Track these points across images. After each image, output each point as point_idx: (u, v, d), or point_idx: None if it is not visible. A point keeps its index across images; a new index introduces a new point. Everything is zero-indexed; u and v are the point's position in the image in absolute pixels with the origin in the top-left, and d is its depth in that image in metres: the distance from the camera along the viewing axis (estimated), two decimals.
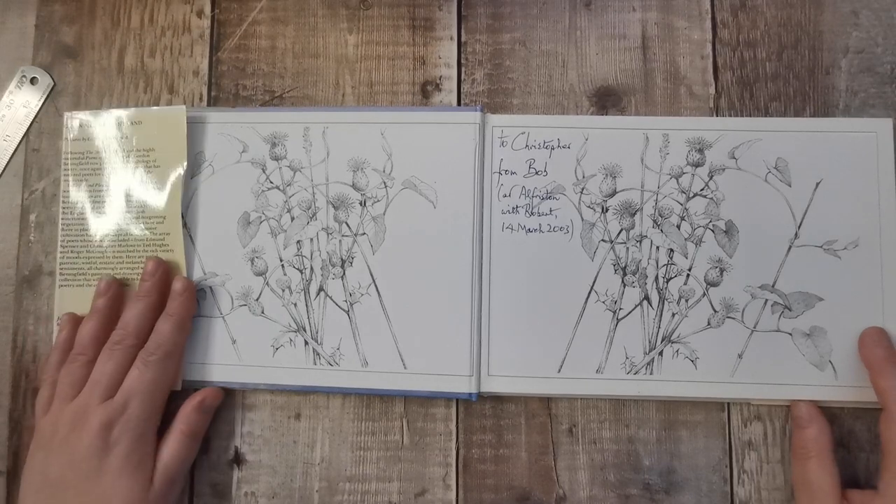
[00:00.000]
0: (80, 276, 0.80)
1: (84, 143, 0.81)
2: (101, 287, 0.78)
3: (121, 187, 0.80)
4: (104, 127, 0.81)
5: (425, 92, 0.83)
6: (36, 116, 0.84)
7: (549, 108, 0.81)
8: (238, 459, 0.78)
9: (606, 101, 0.81)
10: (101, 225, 0.80)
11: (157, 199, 0.80)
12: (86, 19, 0.86)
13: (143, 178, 0.80)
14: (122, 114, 0.81)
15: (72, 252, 0.80)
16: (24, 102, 0.84)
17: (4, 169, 0.83)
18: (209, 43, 0.85)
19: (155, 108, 0.82)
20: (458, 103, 0.82)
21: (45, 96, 0.84)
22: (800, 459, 0.72)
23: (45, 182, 0.83)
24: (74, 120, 0.82)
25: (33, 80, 0.84)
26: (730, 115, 0.80)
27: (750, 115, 0.80)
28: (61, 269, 0.80)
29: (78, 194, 0.81)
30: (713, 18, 0.82)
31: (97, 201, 0.81)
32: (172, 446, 0.74)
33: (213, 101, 0.84)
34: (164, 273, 0.78)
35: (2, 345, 0.82)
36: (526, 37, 0.83)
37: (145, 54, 0.85)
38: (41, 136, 0.84)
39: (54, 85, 0.85)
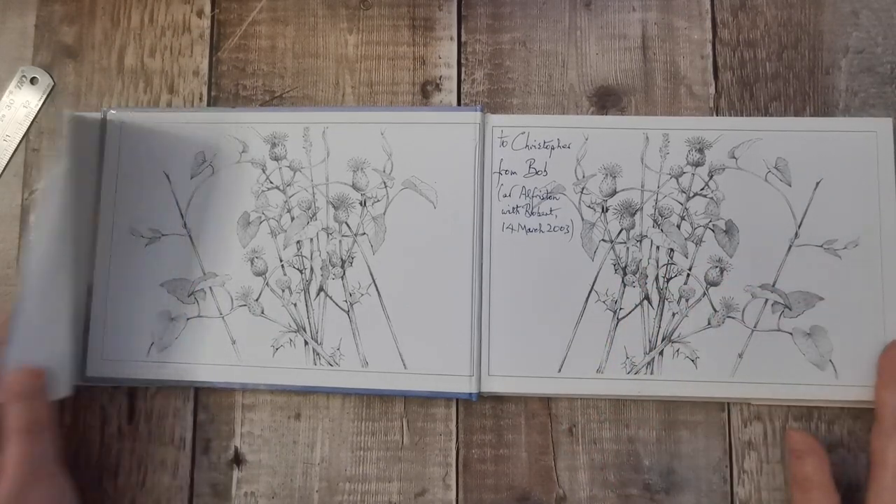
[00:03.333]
0: None
1: None
2: None
3: None
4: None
5: (425, 92, 0.83)
6: (36, 116, 0.84)
7: (549, 108, 0.81)
8: (238, 459, 0.78)
9: (606, 101, 0.81)
10: None
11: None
12: (86, 19, 0.86)
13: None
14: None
15: None
16: (24, 102, 0.84)
17: (4, 169, 0.83)
18: (209, 43, 0.85)
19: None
20: (458, 103, 0.82)
21: (45, 96, 0.84)
22: (802, 490, 0.71)
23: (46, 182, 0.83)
24: None
25: (33, 80, 0.84)
26: (730, 115, 0.80)
27: (750, 115, 0.80)
28: None
29: None
30: (713, 18, 0.82)
31: None
32: (11, 453, 0.68)
33: (213, 101, 0.84)
34: None
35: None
36: (526, 37, 0.83)
37: (145, 54, 0.85)
38: (41, 136, 0.84)
39: (54, 85, 0.85)
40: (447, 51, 0.83)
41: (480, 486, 0.77)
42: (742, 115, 0.80)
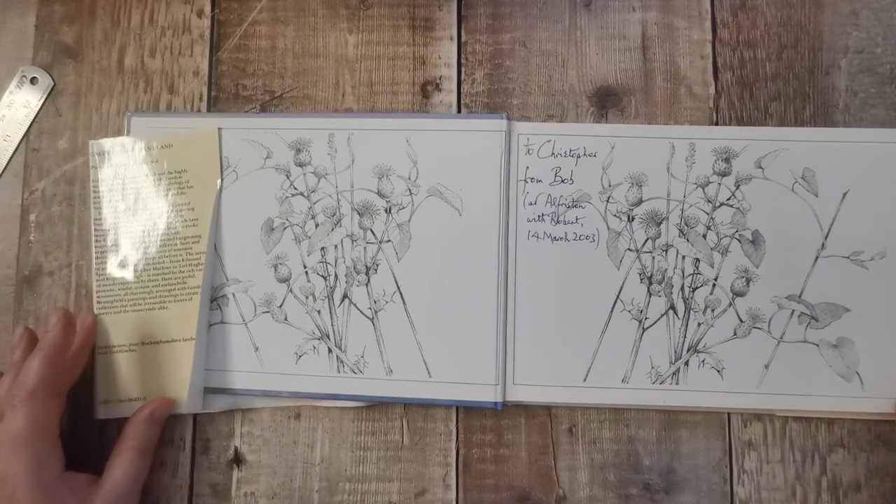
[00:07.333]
0: (118, 302, 0.79)
1: (111, 170, 0.82)
2: (15, 339, 0.76)
3: (153, 210, 0.81)
4: (131, 153, 0.82)
5: (425, 92, 0.83)
6: (36, 116, 0.83)
7: (549, 108, 0.81)
8: (238, 459, 0.78)
9: (606, 101, 0.81)
10: (136, 249, 0.80)
11: (192, 219, 0.80)
12: (86, 19, 0.85)
13: (177, 200, 0.80)
14: (152, 140, 0.82)
15: (107, 280, 0.80)
16: (24, 102, 0.83)
17: (4, 169, 0.83)
18: (209, 43, 0.84)
19: (187, 132, 0.82)
20: (458, 103, 0.82)
21: (45, 96, 0.84)
22: None
23: (45, 182, 0.82)
24: (100, 147, 0.82)
25: (33, 80, 0.84)
26: (729, 115, 0.80)
27: (749, 116, 0.80)
28: (98, 296, 0.80)
29: (109, 220, 0.81)
30: (713, 18, 0.82)
31: (130, 225, 0.81)
32: (122, 464, 0.72)
33: (213, 101, 0.83)
34: (68, 323, 0.73)
35: (2, 345, 0.82)
36: (526, 37, 0.83)
37: (145, 54, 0.85)
38: (41, 136, 0.84)
39: (54, 85, 0.84)
40: (447, 51, 0.83)
41: (480, 486, 0.77)
42: (742, 116, 0.80)
